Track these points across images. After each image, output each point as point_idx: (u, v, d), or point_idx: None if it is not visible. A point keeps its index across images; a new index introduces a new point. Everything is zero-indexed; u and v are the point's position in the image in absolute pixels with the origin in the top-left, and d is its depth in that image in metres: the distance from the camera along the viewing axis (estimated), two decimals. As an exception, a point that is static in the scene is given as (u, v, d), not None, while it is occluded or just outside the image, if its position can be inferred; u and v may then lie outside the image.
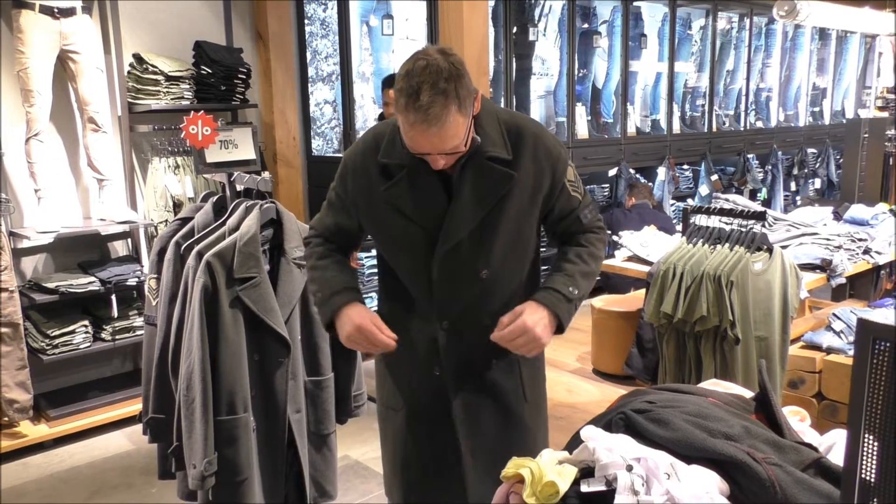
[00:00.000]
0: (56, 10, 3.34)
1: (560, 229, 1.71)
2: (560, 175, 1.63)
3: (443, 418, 1.71)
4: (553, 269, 1.67)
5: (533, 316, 1.54)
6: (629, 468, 1.01)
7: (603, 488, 1.01)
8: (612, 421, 1.16)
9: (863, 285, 4.40)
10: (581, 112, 5.71)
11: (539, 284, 1.71)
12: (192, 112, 2.20)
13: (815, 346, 3.13)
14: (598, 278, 1.80)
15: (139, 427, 2.43)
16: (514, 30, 5.19)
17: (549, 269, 1.72)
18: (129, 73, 3.72)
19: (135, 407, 3.54)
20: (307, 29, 4.57)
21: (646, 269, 3.11)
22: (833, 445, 1.19)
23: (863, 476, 0.79)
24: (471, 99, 1.48)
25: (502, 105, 5.08)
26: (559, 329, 1.61)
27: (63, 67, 3.47)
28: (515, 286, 1.68)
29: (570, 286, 1.61)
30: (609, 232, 2.05)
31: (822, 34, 8.06)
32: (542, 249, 1.80)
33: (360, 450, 3.39)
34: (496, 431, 1.72)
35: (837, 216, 3.95)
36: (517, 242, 1.64)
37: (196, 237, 2.10)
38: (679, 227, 3.67)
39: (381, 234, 1.69)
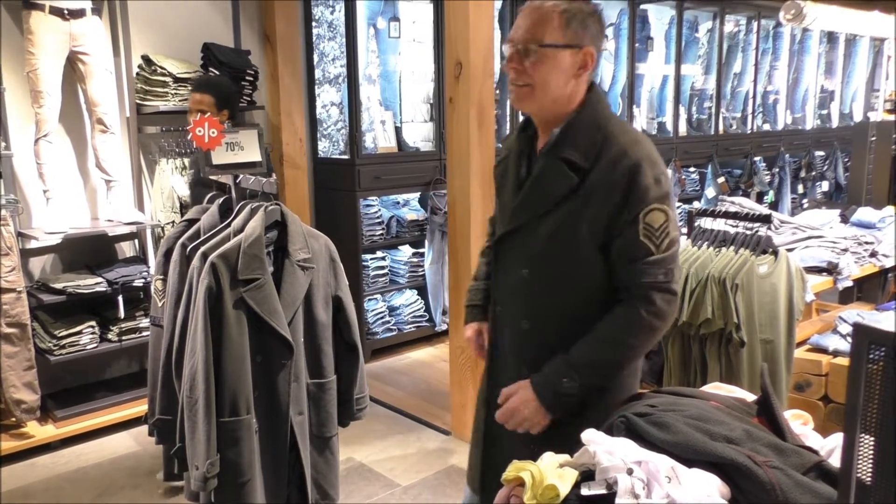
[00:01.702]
0: (66, 12, 3.37)
1: (617, 273, 1.53)
2: (633, 206, 1.46)
3: (492, 402, 1.72)
4: (574, 349, 1.54)
5: (524, 396, 1.56)
6: (630, 471, 1.01)
7: (603, 491, 1.01)
8: (613, 424, 1.17)
9: (871, 288, 4.38)
10: (587, 114, 5.69)
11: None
12: (199, 114, 2.21)
13: (822, 349, 3.13)
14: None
15: (146, 428, 2.45)
16: (521, 32, 5.19)
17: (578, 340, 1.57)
18: (137, 74, 3.75)
19: (142, 408, 3.56)
20: (314, 31, 4.58)
21: (651, 271, 3.10)
22: (835, 449, 1.19)
23: (859, 477, 0.79)
24: (581, 33, 1.51)
25: (508, 107, 5.08)
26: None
27: (72, 69, 3.50)
28: (563, 303, 1.58)
29: (567, 378, 1.51)
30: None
31: (831, 37, 8.03)
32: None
33: (364, 452, 3.40)
34: (517, 438, 1.65)
35: (844, 219, 3.93)
36: (568, 256, 1.54)
37: (202, 238, 2.11)
38: (684, 230, 3.66)
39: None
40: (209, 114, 3.05)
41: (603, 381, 1.55)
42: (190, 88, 3.28)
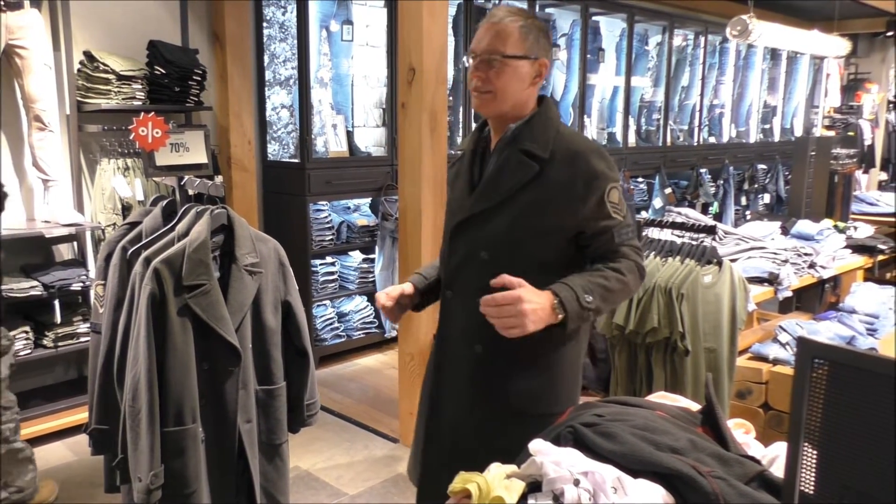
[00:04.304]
0: (2, 3, 3.23)
1: (594, 247, 1.66)
2: (596, 190, 1.61)
3: (434, 388, 1.80)
4: (580, 274, 1.61)
5: (532, 296, 1.48)
6: (576, 482, 1.01)
7: (550, 503, 1.01)
8: (560, 434, 1.16)
9: (809, 298, 4.52)
10: (539, 123, 5.74)
11: None
12: (143, 113, 2.14)
13: (762, 358, 3.21)
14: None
15: (81, 438, 2.36)
16: (475, 40, 5.22)
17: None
18: (78, 70, 3.62)
19: (77, 416, 3.44)
20: (265, 32, 4.51)
21: (600, 280, 3.14)
22: (776, 458, 1.21)
23: (802, 489, 0.80)
24: (536, 45, 1.65)
25: (461, 114, 5.10)
26: (560, 325, 1.54)
27: (9, 63, 3.36)
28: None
29: (588, 294, 1.54)
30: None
31: (774, 54, 8.30)
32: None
33: (310, 460, 3.34)
34: (468, 421, 1.72)
35: (785, 231, 4.06)
36: (531, 239, 1.64)
37: (144, 242, 2.04)
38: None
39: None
40: None
41: (601, 310, 1.60)
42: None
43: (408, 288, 1.82)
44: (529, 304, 1.46)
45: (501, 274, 1.52)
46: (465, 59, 1.71)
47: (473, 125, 5.26)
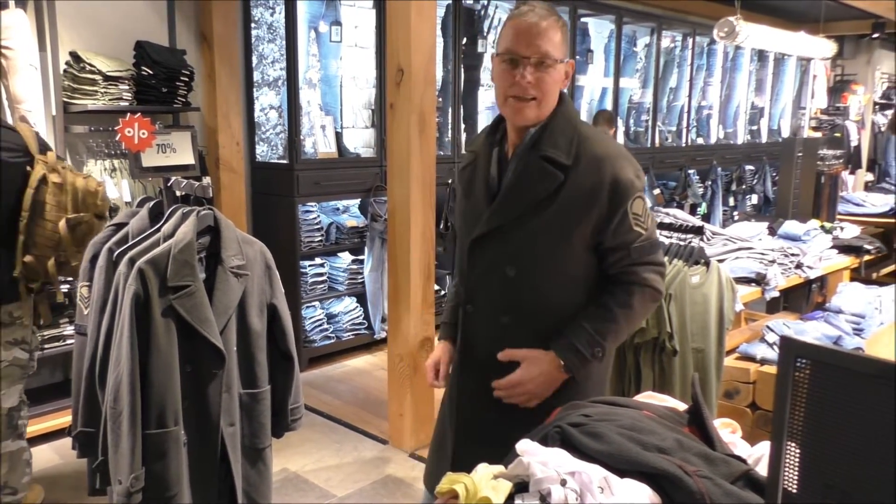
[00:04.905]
0: (-13, 4, 3.21)
1: (609, 261, 1.61)
2: (621, 200, 1.54)
3: (455, 400, 1.76)
4: (588, 318, 1.59)
5: (531, 371, 1.56)
6: (563, 482, 1.01)
7: (537, 503, 1.01)
8: (548, 434, 1.17)
9: (796, 298, 4.55)
10: (528, 124, 5.74)
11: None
12: (129, 114, 2.13)
13: (750, 358, 3.23)
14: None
15: (67, 441, 2.34)
16: (464, 41, 5.22)
17: (586, 310, 1.62)
18: (65, 71, 3.60)
19: (63, 419, 3.41)
20: (254, 32, 4.50)
21: (588, 280, 3.14)
22: (762, 457, 1.22)
23: (785, 487, 0.81)
24: (566, 46, 1.57)
25: (449, 115, 5.10)
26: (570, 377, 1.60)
27: (-7, 64, 3.33)
28: (548, 297, 1.61)
29: (597, 347, 1.55)
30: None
31: (761, 55, 8.36)
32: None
33: (299, 462, 3.33)
34: (489, 431, 1.68)
35: (772, 231, 4.08)
36: (558, 252, 1.58)
37: (130, 244, 2.03)
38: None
39: (456, 216, 1.79)
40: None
41: (612, 348, 1.63)
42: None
43: (446, 351, 1.80)
44: (532, 382, 1.55)
45: (516, 337, 1.60)
46: (498, 60, 1.58)
47: (462, 126, 5.27)
